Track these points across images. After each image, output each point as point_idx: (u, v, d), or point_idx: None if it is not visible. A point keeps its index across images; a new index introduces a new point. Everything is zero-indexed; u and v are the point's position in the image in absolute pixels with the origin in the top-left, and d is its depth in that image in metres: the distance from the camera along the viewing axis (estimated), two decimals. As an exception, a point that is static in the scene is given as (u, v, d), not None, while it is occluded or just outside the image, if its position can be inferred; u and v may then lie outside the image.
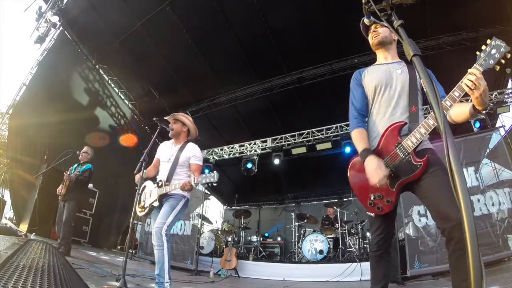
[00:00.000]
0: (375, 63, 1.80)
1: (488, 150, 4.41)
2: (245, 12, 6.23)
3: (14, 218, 6.52)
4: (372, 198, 1.52)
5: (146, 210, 2.68)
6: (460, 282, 1.25)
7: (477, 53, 1.32)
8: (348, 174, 1.67)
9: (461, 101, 1.34)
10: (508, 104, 6.02)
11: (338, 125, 7.18)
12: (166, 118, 2.93)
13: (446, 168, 1.03)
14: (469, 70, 1.29)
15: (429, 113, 1.43)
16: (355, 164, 1.63)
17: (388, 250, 1.66)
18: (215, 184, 2.50)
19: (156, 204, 2.60)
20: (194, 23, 6.56)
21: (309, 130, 7.47)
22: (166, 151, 2.86)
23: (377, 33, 1.70)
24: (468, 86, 1.28)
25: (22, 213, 6.05)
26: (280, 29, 6.46)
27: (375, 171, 1.43)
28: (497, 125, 6.11)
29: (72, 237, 4.61)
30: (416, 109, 1.52)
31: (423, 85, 1.03)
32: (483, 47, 1.32)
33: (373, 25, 1.66)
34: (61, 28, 6.80)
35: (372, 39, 1.72)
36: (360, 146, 1.56)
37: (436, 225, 1.50)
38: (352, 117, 1.68)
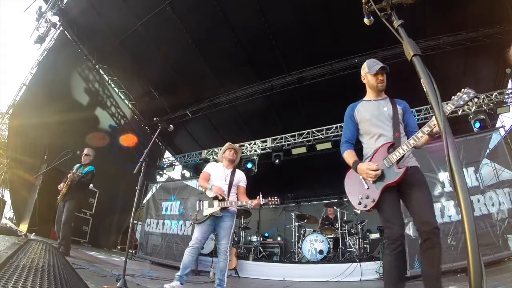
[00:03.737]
0: (365, 98, 2.18)
1: (488, 150, 4.41)
2: (245, 12, 6.22)
3: (14, 218, 6.52)
4: (360, 197, 1.93)
5: (205, 219, 3.03)
6: (428, 269, 1.70)
7: (453, 97, 1.78)
8: (345, 183, 2.09)
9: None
10: (508, 104, 6.01)
11: (338, 125, 7.17)
12: (233, 146, 3.41)
13: (427, 183, 1.80)
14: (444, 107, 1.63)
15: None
16: (349, 174, 2.07)
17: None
18: (274, 205, 2.94)
19: (218, 214, 3.04)
20: (194, 23, 6.55)
21: (309, 130, 7.46)
22: (219, 171, 3.31)
23: (384, 81, 2.06)
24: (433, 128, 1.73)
25: (22, 213, 6.05)
26: (280, 29, 6.45)
27: (366, 164, 1.90)
28: (497, 125, 6.11)
29: (72, 237, 4.61)
30: (398, 135, 1.94)
31: (423, 85, 1.04)
32: (458, 93, 1.76)
33: (381, 73, 2.05)
34: (61, 28, 6.80)
35: (378, 84, 2.06)
36: (351, 160, 2.03)
37: (416, 228, 1.86)
38: (343, 143, 2.14)
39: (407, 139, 1.87)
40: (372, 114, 2.03)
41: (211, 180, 3.24)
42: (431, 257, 1.68)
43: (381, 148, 1.93)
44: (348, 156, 2.05)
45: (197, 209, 3.14)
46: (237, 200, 3.15)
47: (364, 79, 2.14)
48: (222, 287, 2.96)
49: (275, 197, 3.05)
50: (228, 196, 3.13)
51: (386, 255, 1.82)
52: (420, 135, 1.77)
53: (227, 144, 3.45)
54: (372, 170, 1.84)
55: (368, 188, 1.89)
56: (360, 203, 1.92)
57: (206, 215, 3.03)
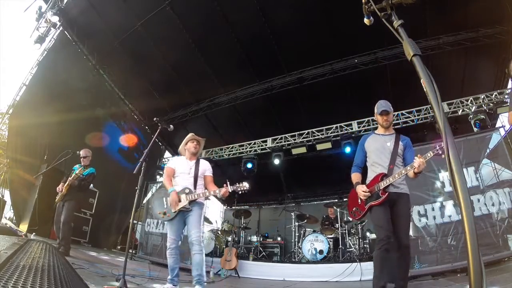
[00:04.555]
0: (376, 131, 2.76)
1: (488, 150, 4.40)
2: (245, 12, 6.22)
3: (14, 218, 6.52)
4: (354, 209, 2.66)
5: (174, 215, 2.99)
6: (400, 272, 2.38)
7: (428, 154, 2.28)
8: (348, 197, 2.77)
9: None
10: (508, 104, 6.00)
11: (338, 125, 7.17)
12: (195, 137, 3.28)
13: (409, 210, 2.63)
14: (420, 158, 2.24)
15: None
16: (352, 191, 2.67)
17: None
18: (243, 192, 2.97)
19: (188, 207, 2.96)
20: (194, 23, 6.55)
21: (309, 130, 7.46)
22: (182, 164, 3.21)
23: (387, 120, 2.62)
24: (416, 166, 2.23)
25: (22, 213, 6.05)
26: (280, 29, 6.45)
27: (361, 187, 2.54)
28: (497, 125, 6.09)
29: (72, 237, 4.61)
30: (393, 167, 2.48)
31: (423, 85, 1.04)
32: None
33: (386, 114, 2.59)
34: (61, 28, 6.79)
35: (383, 122, 2.63)
36: (355, 181, 2.64)
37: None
38: (353, 166, 2.74)
39: None
40: (376, 148, 2.61)
41: (176, 175, 3.15)
42: (403, 264, 2.37)
43: (376, 176, 2.51)
44: (354, 177, 2.68)
45: (165, 206, 3.06)
46: (205, 190, 3.07)
47: (376, 117, 2.72)
48: (201, 283, 2.76)
49: (243, 183, 2.94)
50: (195, 188, 3.04)
51: (375, 251, 2.36)
52: (404, 172, 2.35)
53: (189, 135, 3.30)
54: (363, 191, 2.47)
55: (360, 204, 2.55)
56: (352, 213, 2.69)
57: (175, 211, 2.95)
